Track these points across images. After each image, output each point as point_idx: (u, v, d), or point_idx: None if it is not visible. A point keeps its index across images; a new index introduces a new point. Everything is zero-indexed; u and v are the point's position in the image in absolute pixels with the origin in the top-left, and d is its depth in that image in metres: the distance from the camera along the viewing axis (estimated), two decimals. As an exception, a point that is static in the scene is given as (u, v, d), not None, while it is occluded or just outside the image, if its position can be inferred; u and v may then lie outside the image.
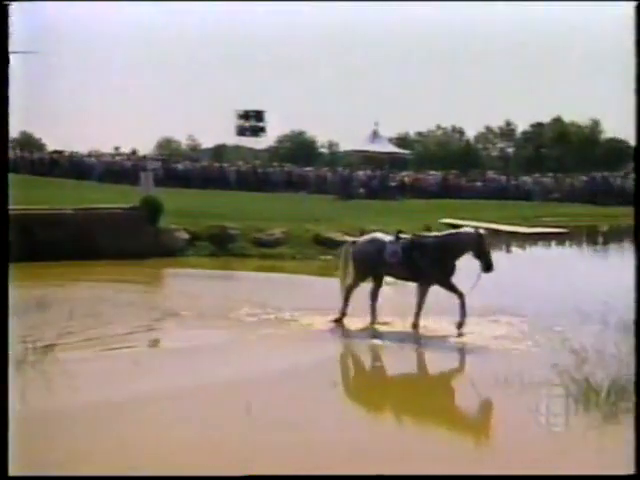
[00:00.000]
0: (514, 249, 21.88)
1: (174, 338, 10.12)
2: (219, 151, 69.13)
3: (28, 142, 58.65)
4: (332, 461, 5.79)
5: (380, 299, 10.72)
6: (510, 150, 77.67)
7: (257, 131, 48.07)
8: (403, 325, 10.38)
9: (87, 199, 20.23)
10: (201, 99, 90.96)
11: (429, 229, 21.84)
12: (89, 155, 47.42)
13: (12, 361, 6.47)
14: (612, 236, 27.34)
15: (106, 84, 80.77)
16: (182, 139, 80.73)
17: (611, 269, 18.36)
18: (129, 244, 17.23)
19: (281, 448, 6.01)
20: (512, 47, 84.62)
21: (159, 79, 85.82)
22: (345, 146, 55.56)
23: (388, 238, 10.63)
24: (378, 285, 10.74)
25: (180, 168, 44.27)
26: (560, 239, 24.90)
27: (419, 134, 79.70)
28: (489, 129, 78.64)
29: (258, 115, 47.85)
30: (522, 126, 76.09)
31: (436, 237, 10.65)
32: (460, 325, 10.10)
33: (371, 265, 10.63)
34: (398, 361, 9.24)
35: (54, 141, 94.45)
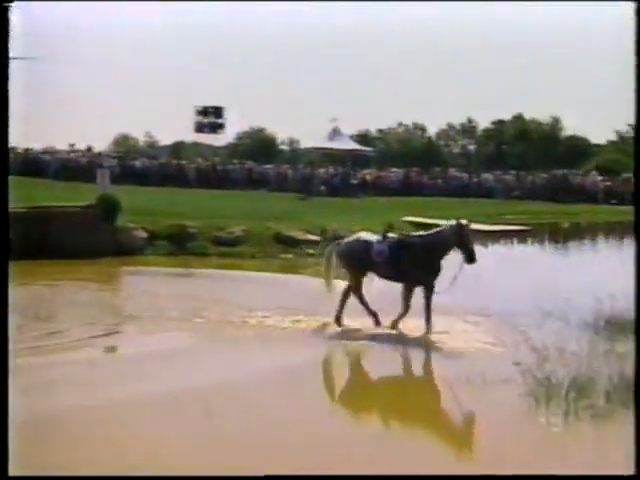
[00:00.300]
0: (476, 247, 21.67)
1: (132, 342, 9.82)
2: (177, 148, 68.33)
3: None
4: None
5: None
6: (472, 147, 77.97)
7: (216, 128, 47.40)
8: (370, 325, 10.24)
9: (41, 197, 19.71)
10: (158, 95, 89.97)
11: (391, 227, 21.85)
12: (44, 152, 46.42)
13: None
14: (573, 234, 27.45)
15: (61, 79, 79.25)
16: (139, 136, 79.68)
17: (573, 267, 18.62)
18: (85, 243, 16.95)
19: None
20: (473, 43, 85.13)
21: (115, 74, 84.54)
22: (306, 143, 55.32)
23: (375, 237, 10.48)
24: (356, 285, 10.50)
25: (138, 165, 43.58)
26: (522, 237, 24.92)
27: (380, 131, 79.63)
28: (451, 126, 78.87)
29: (217, 111, 47.20)
30: (483, 123, 76.53)
31: (422, 236, 10.52)
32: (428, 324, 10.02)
33: (360, 265, 10.42)
34: (367, 362, 9.19)
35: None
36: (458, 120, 78.38)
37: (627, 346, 8.44)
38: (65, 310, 11.16)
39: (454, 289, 9.89)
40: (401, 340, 9.69)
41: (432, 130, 78.74)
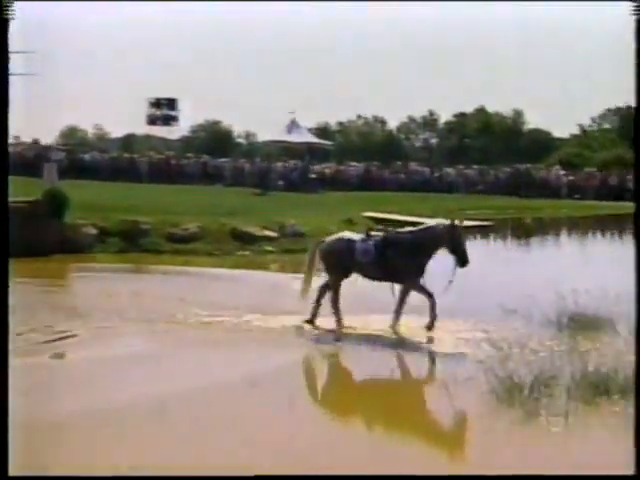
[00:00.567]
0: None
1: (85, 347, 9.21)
2: (128, 141, 67.22)
3: None
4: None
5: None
6: (434, 141, 77.69)
7: (169, 120, 46.54)
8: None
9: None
10: (109, 86, 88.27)
11: (351, 222, 21.30)
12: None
13: None
14: (535, 229, 27.24)
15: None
16: (88, 128, 78.10)
17: (536, 263, 18.46)
18: (31, 241, 15.98)
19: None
20: (436, 36, 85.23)
21: (63, 64, 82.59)
22: (263, 136, 54.74)
23: (358, 236, 10.09)
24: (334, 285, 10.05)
25: (87, 159, 42.74)
26: (485, 232, 24.54)
27: (340, 124, 79.10)
28: (412, 119, 78.45)
29: (170, 103, 46.29)
30: (445, 116, 76.25)
31: (410, 232, 10.06)
32: (430, 326, 9.69)
33: (342, 266, 9.99)
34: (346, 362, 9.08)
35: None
36: (419, 113, 78.13)
37: (590, 343, 8.69)
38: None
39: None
40: (370, 339, 9.38)
41: (393, 123, 78.48)
